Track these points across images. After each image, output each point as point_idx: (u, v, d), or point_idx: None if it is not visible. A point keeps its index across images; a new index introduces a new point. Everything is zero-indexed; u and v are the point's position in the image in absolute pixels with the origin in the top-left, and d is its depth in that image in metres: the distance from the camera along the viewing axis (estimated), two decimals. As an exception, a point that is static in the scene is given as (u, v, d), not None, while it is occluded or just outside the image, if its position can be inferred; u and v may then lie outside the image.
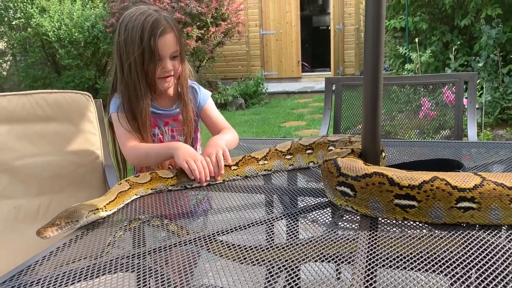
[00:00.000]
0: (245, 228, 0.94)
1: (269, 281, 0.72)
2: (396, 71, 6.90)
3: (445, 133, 2.25)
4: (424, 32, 6.33)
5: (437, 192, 0.85)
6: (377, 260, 0.75)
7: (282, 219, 0.98)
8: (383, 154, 1.24)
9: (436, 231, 0.85)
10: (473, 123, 1.91)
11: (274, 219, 0.99)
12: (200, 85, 1.69)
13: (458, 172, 0.89)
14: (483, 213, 0.85)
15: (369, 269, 0.72)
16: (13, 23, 8.76)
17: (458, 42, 5.83)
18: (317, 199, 1.09)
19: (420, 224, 0.89)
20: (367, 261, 0.74)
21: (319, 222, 0.97)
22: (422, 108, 2.48)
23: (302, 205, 1.08)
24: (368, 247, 0.80)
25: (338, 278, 0.72)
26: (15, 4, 8.52)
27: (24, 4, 8.48)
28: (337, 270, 0.75)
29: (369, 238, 0.84)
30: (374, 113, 1.04)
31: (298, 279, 0.71)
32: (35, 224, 1.56)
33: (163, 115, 1.57)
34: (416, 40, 5.77)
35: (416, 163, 1.19)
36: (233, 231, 0.93)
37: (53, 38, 8.10)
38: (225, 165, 1.28)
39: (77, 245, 0.94)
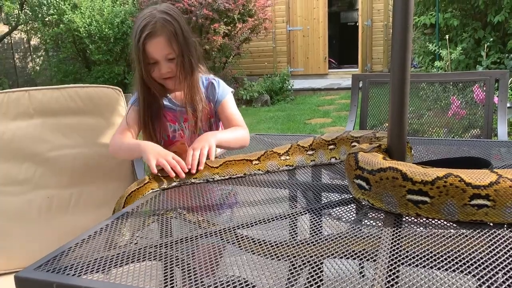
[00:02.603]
0: (269, 222, 0.96)
1: (293, 275, 0.74)
2: (426, 69, 6.75)
3: (474, 132, 2.20)
4: (455, 28, 6.17)
5: (450, 188, 0.85)
6: (400, 257, 0.75)
7: (305, 213, 0.99)
8: (411, 151, 1.23)
9: (463, 230, 0.85)
10: (503, 122, 1.86)
11: (298, 214, 1.00)
12: (226, 81, 1.70)
13: (475, 170, 0.88)
14: (498, 211, 0.84)
15: (393, 267, 0.72)
16: (46, 19, 9.03)
17: (491, 39, 5.66)
18: (342, 196, 1.09)
19: (447, 223, 0.88)
20: (390, 259, 0.75)
21: (343, 218, 0.98)
22: (452, 106, 2.43)
23: (326, 201, 1.08)
24: (392, 244, 0.80)
25: (362, 275, 0.73)
26: (49, 1, 8.77)
27: (57, 1, 8.72)
28: (360, 267, 0.76)
29: (393, 236, 0.84)
30: (401, 110, 1.03)
31: (322, 275, 0.72)
32: (67, 214, 1.63)
33: (182, 111, 1.59)
34: (447, 37, 5.64)
35: (443, 161, 1.18)
36: (257, 224, 0.95)
37: (84, 34, 8.31)
38: (212, 167, 1.28)
39: (107, 233, 0.97)
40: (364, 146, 1.12)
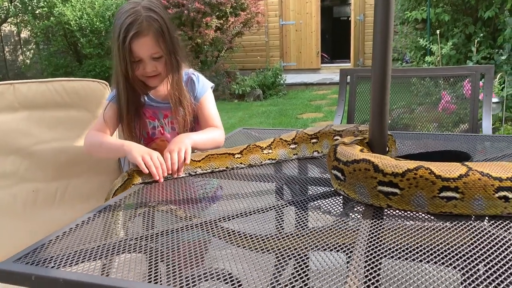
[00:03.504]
0: (254, 214, 0.97)
1: (277, 269, 0.74)
2: (417, 63, 6.78)
3: (464, 127, 2.22)
4: (446, 23, 6.20)
5: (420, 180, 0.87)
6: (382, 250, 0.76)
7: (290, 205, 1.00)
8: (395, 145, 1.25)
9: (447, 223, 0.86)
10: (488, 116, 1.88)
11: (283, 206, 1.01)
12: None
13: (446, 163, 0.89)
14: (466, 203, 0.86)
15: (375, 259, 0.73)
16: (37, 12, 8.93)
17: (481, 35, 5.69)
18: (327, 188, 1.10)
19: (430, 216, 0.89)
20: (373, 251, 0.76)
21: (329, 211, 0.99)
22: (442, 101, 2.44)
23: (312, 194, 1.09)
24: (375, 237, 0.81)
25: (348, 268, 0.73)
26: (39, -7, 8.68)
27: (48, -7, 8.63)
28: (348, 258, 0.77)
29: (375, 228, 0.85)
30: (382, 104, 1.04)
31: (306, 267, 0.73)
32: (53, 207, 1.62)
33: (162, 107, 1.57)
34: (438, 32, 5.66)
35: (424, 154, 1.19)
36: (243, 216, 0.96)
37: (75, 27, 8.24)
38: (194, 161, 1.28)
39: (88, 227, 0.98)
40: (347, 139, 1.13)
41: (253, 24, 8.68)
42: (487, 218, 0.87)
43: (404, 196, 0.90)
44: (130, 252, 0.85)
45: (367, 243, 0.79)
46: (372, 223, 0.87)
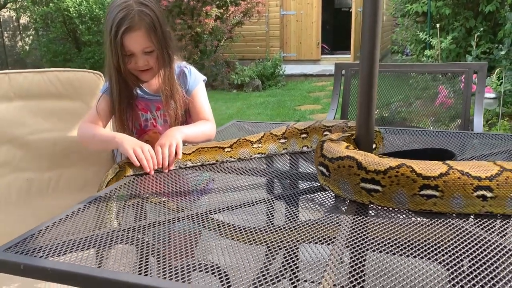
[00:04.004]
0: (245, 206, 0.99)
1: (269, 260, 0.77)
2: (417, 57, 6.77)
3: (460, 122, 2.22)
4: (447, 17, 6.18)
5: (402, 178, 0.89)
6: (370, 243, 0.79)
7: (279, 199, 1.03)
8: (383, 141, 1.27)
9: (434, 220, 0.88)
10: (480, 113, 1.90)
11: (273, 200, 1.03)
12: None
13: (428, 161, 0.91)
14: (445, 201, 0.88)
15: (364, 252, 0.75)
16: (36, -3, 8.87)
17: (481, 29, 5.68)
18: (316, 183, 1.13)
19: (406, 212, 0.92)
20: (361, 244, 0.78)
21: (317, 206, 1.01)
22: (439, 95, 2.45)
23: (301, 188, 1.12)
24: (364, 231, 0.84)
25: (341, 261, 0.76)
26: (38, -22, 8.62)
27: (47, -21, 8.57)
28: (339, 251, 0.79)
29: (364, 223, 0.87)
30: (369, 101, 1.06)
31: (297, 258, 0.76)
32: (46, 197, 1.65)
33: (154, 100, 1.58)
34: (438, 25, 5.64)
35: (409, 152, 1.21)
36: (233, 209, 0.99)
37: (74, 14, 8.20)
38: (184, 154, 1.29)
39: (78, 217, 1.00)
40: (334, 135, 1.15)
41: (253, 13, 8.64)
42: (464, 216, 0.89)
43: (385, 193, 0.92)
44: (119, 243, 0.87)
45: (349, 237, 0.81)
46: (354, 218, 0.90)
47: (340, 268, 0.71)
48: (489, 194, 0.88)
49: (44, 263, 0.79)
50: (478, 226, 0.85)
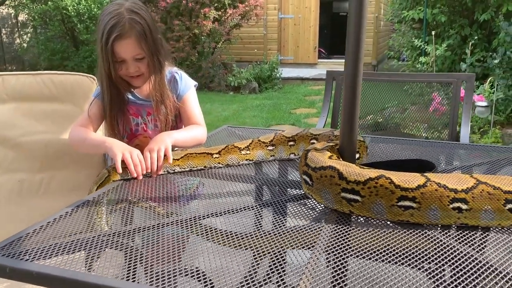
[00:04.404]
0: (233, 213, 1.01)
1: (253, 266, 0.79)
2: (412, 63, 6.82)
3: (448, 132, 2.25)
4: (443, 24, 6.23)
5: (380, 189, 0.92)
6: (356, 250, 0.82)
7: (266, 206, 1.05)
8: (367, 151, 1.29)
9: (419, 230, 0.91)
10: (466, 124, 1.93)
11: (260, 206, 1.06)
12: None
13: (407, 173, 0.94)
14: (422, 213, 0.91)
15: (348, 258, 0.78)
16: (34, -5, 8.87)
17: (476, 37, 5.73)
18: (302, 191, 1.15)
19: (385, 222, 0.95)
20: (346, 251, 0.81)
21: (306, 212, 1.04)
22: (433, 102, 2.48)
23: (288, 195, 1.14)
24: (350, 238, 0.87)
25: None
26: (37, -24, 8.62)
27: (45, -23, 8.57)
28: (327, 257, 0.82)
29: (350, 230, 0.90)
30: (352, 111, 1.08)
31: (285, 262, 0.78)
32: (37, 198, 1.67)
33: (145, 105, 1.61)
34: (433, 32, 5.69)
35: (391, 162, 1.24)
36: (221, 214, 1.01)
37: (72, 13, 8.20)
38: (173, 159, 1.31)
39: (66, 221, 1.02)
40: (319, 145, 1.17)
41: (251, 16, 8.67)
42: (440, 227, 0.92)
43: (365, 204, 0.95)
44: (107, 248, 0.89)
45: (329, 243, 0.84)
46: (335, 226, 0.93)
47: (318, 272, 0.74)
48: (464, 207, 0.91)
49: (29, 266, 0.81)
50: (453, 238, 0.87)
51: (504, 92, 4.87)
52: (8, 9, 10.31)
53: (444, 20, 6.11)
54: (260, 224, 0.99)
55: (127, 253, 0.85)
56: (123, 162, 1.27)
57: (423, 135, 2.51)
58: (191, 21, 7.86)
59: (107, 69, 1.46)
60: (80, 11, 8.19)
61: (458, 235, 0.89)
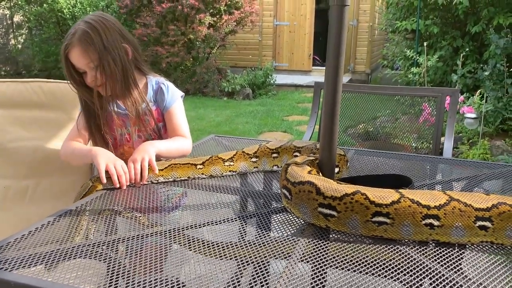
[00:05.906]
0: (214, 224, 1.04)
1: (236, 275, 0.81)
2: (404, 73, 6.89)
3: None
4: (435, 35, 6.31)
5: (356, 205, 0.94)
6: (336, 262, 0.84)
7: (253, 217, 1.08)
8: (347, 165, 1.32)
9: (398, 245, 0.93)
10: (450, 138, 1.97)
11: (246, 217, 1.08)
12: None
13: (383, 189, 0.97)
14: (395, 228, 0.94)
15: (328, 270, 0.80)
16: (30, -3, 8.87)
17: (467, 49, 5.81)
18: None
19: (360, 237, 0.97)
20: (330, 261, 0.83)
21: (286, 224, 1.06)
22: (423, 113, 2.51)
23: (270, 207, 1.17)
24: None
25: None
26: (33, -22, 8.63)
27: (42, -21, 8.59)
28: (314, 267, 0.84)
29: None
30: (331, 126, 1.10)
31: (267, 272, 0.80)
32: (23, 204, 1.68)
33: (128, 116, 1.60)
34: (425, 43, 5.76)
35: (369, 177, 1.27)
36: (204, 225, 1.03)
37: (67, 16, 8.22)
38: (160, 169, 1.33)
39: (47, 230, 1.04)
40: (299, 159, 1.20)
41: (247, 23, 8.72)
42: (411, 243, 0.95)
43: (340, 219, 0.98)
44: (86, 258, 0.91)
45: (305, 253, 0.86)
46: (313, 239, 0.95)
47: (293, 282, 0.77)
48: (436, 223, 0.94)
49: (7, 276, 0.83)
50: (422, 254, 0.90)
51: (493, 104, 4.93)
52: (3, 10, 10.30)
53: (436, 31, 6.19)
54: (242, 236, 1.01)
55: (109, 264, 0.87)
56: (107, 172, 1.29)
57: (413, 145, 2.54)
58: (186, 27, 7.89)
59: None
60: (75, 14, 8.21)
61: (431, 250, 0.92)
